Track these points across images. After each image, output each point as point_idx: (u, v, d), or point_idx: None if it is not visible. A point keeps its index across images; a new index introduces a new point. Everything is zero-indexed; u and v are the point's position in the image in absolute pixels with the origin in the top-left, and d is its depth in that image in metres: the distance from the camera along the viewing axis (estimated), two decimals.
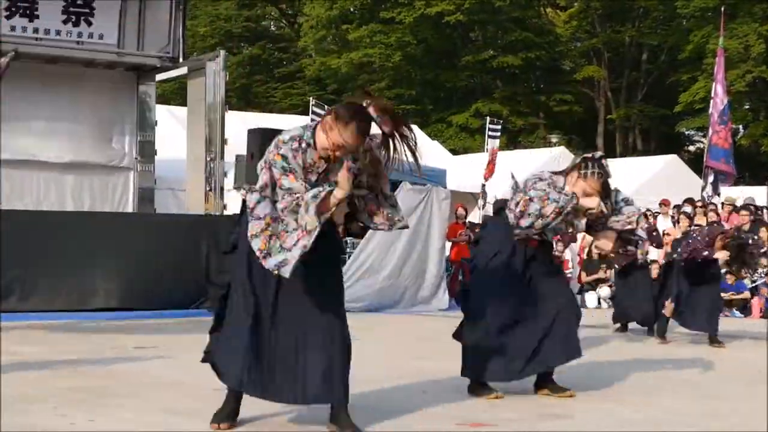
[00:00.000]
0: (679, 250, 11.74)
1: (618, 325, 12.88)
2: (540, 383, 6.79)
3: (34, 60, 15.60)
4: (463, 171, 21.81)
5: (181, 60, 16.52)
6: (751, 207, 18.68)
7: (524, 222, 6.64)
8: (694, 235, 11.83)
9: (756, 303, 16.23)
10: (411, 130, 5.12)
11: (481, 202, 21.00)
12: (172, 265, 14.17)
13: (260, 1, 47.31)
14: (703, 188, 21.28)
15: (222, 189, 15.42)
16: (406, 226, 5.51)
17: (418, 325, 13.14)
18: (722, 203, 19.66)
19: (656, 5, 37.56)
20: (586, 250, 19.28)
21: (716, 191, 21.32)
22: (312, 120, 19.54)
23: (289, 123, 18.45)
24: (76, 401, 6.13)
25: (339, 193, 4.90)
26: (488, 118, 23.72)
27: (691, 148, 43.15)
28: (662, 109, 38.50)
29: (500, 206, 7.07)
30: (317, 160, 5.02)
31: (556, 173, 6.93)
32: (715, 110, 21.89)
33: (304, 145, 4.98)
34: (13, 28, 15.10)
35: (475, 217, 20.67)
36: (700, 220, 18.62)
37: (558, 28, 42.51)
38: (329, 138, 4.91)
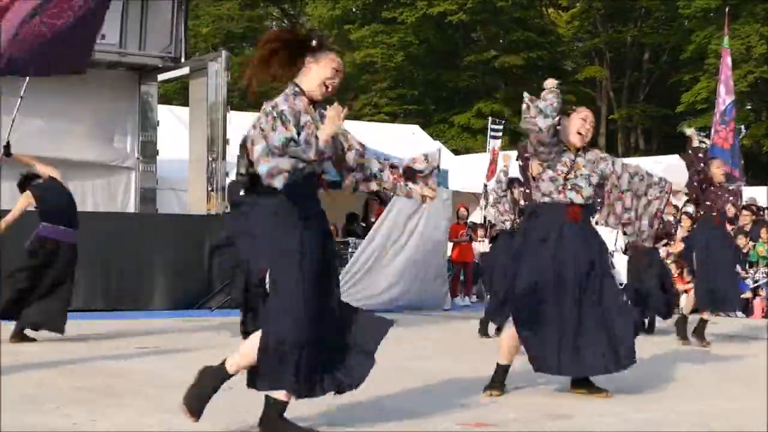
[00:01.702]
0: None
1: None
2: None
3: None
4: (465, 171, 21.81)
5: (183, 60, 16.55)
6: (753, 207, 18.69)
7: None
8: None
9: (758, 303, 16.22)
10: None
11: (483, 202, 20.97)
12: (174, 265, 14.22)
13: (262, 1, 47.30)
14: None
15: (224, 189, 15.43)
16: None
17: (420, 326, 13.14)
18: None
19: (658, 5, 37.58)
20: None
21: None
22: None
23: None
24: (78, 401, 6.14)
25: (328, 129, 4.96)
26: (490, 118, 23.77)
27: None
28: (664, 109, 38.50)
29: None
30: (306, 107, 5.07)
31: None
32: (717, 110, 21.85)
33: (296, 90, 5.11)
34: None
35: (477, 217, 20.68)
36: None
37: (560, 29, 42.51)
38: (321, 70, 5.11)
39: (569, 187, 6.75)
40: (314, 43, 5.13)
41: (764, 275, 16.53)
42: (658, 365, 8.99)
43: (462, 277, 18.73)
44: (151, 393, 6.58)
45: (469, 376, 8.10)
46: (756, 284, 16.51)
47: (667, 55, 39.38)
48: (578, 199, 6.75)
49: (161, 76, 17.88)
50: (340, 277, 14.96)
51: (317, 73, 5.11)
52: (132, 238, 14.23)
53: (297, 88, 5.11)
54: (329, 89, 5.15)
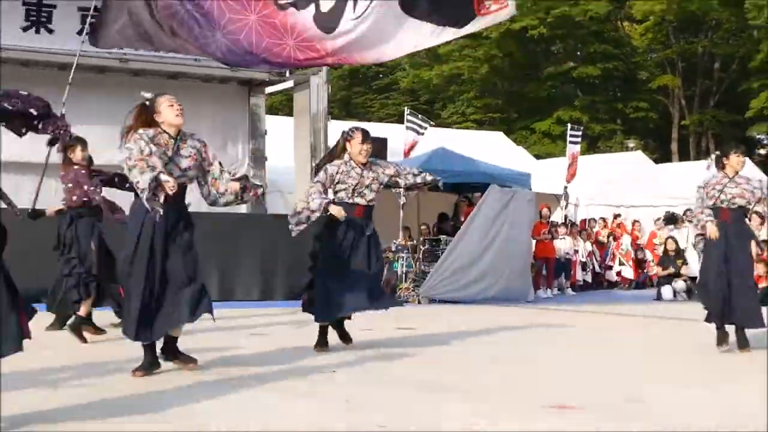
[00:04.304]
0: None
1: None
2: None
3: (157, 76, 15.97)
4: (547, 174, 21.70)
5: (287, 74, 16.71)
6: None
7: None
8: None
9: None
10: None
11: (563, 202, 20.90)
12: (281, 260, 14.37)
13: None
14: None
15: None
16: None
17: (500, 316, 13.06)
18: None
19: (728, 17, 36.93)
20: (662, 247, 19.07)
21: None
22: (407, 128, 19.79)
23: (386, 131, 18.57)
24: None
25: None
26: (569, 125, 23.59)
27: (762, 151, 42.31)
28: (734, 115, 37.89)
29: None
30: (167, 140, 6.80)
31: None
32: None
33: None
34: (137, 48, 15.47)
35: (557, 216, 20.57)
36: None
37: (634, 40, 42.07)
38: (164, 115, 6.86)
39: (356, 194, 8.46)
40: (148, 104, 6.85)
41: None
42: (658, 363, 8.55)
43: (544, 272, 18.66)
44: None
45: (553, 361, 8.10)
46: None
47: (736, 64, 38.70)
48: (362, 202, 8.50)
49: (268, 89, 18.09)
50: (434, 271, 15.08)
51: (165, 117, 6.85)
52: (243, 236, 14.44)
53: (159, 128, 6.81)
54: (180, 118, 6.87)
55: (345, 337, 8.63)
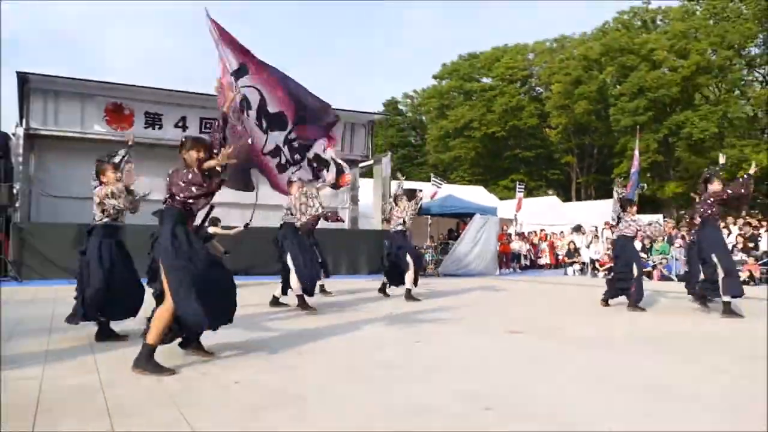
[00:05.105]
0: None
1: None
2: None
3: None
4: (506, 208, 21.39)
5: (370, 156, 16.65)
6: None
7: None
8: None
9: (655, 273, 15.24)
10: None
11: (514, 223, 20.56)
12: (366, 253, 14.25)
13: (408, 129, 47.73)
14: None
15: (388, 220, 15.37)
16: None
17: (481, 282, 12.79)
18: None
19: (600, 125, 36.64)
20: (567, 246, 18.59)
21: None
22: (432, 184, 19.56)
23: (421, 186, 18.37)
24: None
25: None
26: (517, 182, 23.20)
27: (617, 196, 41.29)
28: (605, 177, 37.29)
29: None
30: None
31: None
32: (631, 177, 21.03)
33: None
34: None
35: (512, 230, 20.21)
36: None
37: (551, 137, 41.60)
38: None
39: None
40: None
41: (658, 260, 15.46)
42: (569, 307, 8.01)
43: (504, 259, 18.31)
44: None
45: (509, 305, 7.80)
46: (653, 263, 15.46)
47: (606, 150, 38.13)
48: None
49: (361, 164, 17.99)
50: (446, 259, 14.77)
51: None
52: (346, 239, 14.38)
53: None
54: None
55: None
